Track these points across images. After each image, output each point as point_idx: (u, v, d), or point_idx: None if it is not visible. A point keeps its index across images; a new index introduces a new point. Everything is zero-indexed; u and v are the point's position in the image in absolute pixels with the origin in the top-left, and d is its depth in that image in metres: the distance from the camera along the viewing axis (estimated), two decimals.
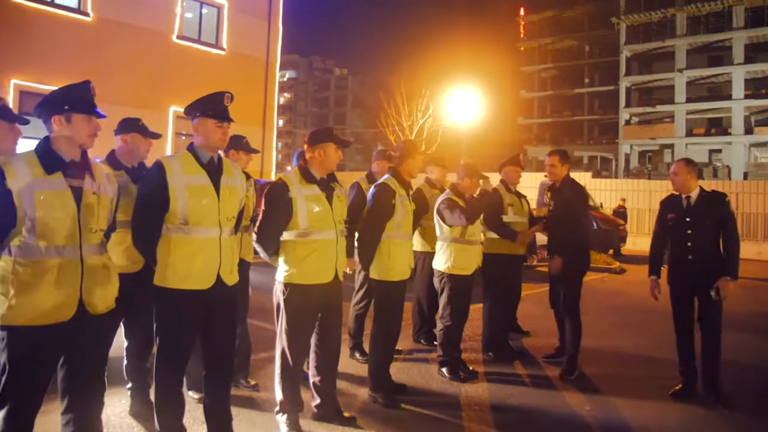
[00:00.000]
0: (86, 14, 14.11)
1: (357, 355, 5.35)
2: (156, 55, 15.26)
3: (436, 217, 5.02)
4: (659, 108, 44.38)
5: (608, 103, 48.64)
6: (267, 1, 18.33)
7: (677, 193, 4.79)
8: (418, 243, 5.65)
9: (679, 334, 4.74)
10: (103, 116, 2.61)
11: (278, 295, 3.63)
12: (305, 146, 3.75)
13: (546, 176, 5.81)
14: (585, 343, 5.27)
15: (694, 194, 4.68)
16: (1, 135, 2.85)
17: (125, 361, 3.78)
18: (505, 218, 5.69)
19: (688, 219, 4.64)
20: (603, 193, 22.93)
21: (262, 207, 3.59)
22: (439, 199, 5.03)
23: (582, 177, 22.87)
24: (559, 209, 5.41)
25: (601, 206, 20.22)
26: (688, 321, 4.68)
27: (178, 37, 15.99)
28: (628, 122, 45.67)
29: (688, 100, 42.99)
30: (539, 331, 6.58)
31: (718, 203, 4.64)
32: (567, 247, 5.25)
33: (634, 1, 44.90)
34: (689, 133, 42.81)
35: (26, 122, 2.91)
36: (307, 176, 3.62)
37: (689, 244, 4.62)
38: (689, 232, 4.62)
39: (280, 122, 70.43)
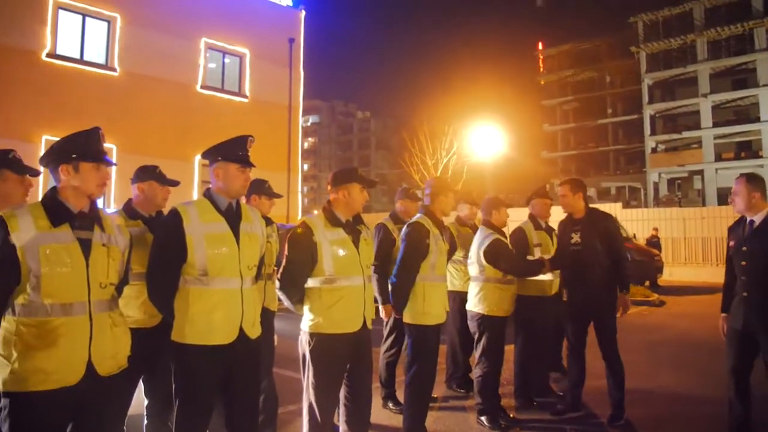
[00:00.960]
0: (113, 69, 14.55)
1: (390, 404, 5.08)
2: (181, 105, 15.62)
3: (477, 257, 4.76)
4: (686, 134, 43.80)
5: (633, 132, 48.25)
6: (288, 48, 18.72)
7: (745, 217, 4.09)
8: (447, 282, 5.38)
9: (730, 379, 4.11)
10: (113, 164, 2.47)
11: (303, 345, 3.42)
12: (329, 187, 3.59)
13: None
14: (630, 383, 4.88)
15: (759, 217, 3.93)
16: (11, 187, 2.76)
17: (146, 421, 3.58)
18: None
19: (744, 248, 3.98)
20: (634, 223, 22.39)
21: (286, 253, 3.41)
22: (483, 240, 4.74)
23: (612, 208, 22.48)
24: (596, 242, 4.85)
25: (634, 237, 19.67)
26: (742, 371, 4.00)
27: (202, 87, 16.35)
28: (654, 150, 45.08)
29: (715, 125, 42.38)
30: None
31: None
32: (611, 283, 4.78)
33: (652, 30, 44.98)
34: (718, 158, 42.03)
35: (37, 174, 2.80)
36: (331, 219, 3.44)
37: (743, 277, 3.97)
38: (743, 263, 3.97)
39: (305, 166, 71.16)
